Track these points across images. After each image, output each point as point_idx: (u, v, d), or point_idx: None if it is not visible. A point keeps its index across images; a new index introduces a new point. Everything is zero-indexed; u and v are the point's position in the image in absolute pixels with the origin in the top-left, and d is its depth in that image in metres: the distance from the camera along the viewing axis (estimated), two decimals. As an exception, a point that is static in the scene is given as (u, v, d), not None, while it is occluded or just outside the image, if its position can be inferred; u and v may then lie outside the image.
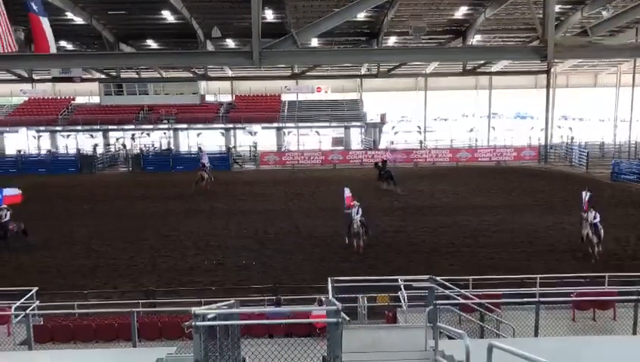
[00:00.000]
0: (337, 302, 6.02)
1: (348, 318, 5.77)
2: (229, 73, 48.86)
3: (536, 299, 10.53)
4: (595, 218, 17.63)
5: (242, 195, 30.49)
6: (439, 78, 50.78)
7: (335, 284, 10.45)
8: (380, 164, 32.81)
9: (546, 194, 29.55)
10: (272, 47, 12.54)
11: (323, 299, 10.57)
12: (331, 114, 50.12)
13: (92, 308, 12.20)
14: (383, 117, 50.64)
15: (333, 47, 35.49)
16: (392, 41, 38.21)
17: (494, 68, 47.28)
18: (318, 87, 51.29)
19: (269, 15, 30.56)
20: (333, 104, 52.71)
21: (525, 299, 11.09)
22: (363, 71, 48.42)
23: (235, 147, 46.85)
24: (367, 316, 11.89)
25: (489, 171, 38.40)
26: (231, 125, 48.97)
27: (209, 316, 5.91)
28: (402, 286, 11.33)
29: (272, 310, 9.29)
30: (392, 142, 48.14)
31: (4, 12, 17.88)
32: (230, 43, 36.94)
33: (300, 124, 49.59)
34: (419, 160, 43.22)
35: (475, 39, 37.01)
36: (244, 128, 48.72)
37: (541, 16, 13.50)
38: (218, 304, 7.00)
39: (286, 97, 53.13)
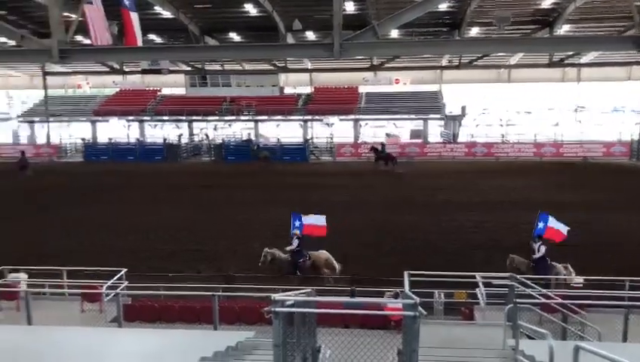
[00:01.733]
0: (414, 296, 5.98)
1: (425, 312, 5.71)
2: (308, 65, 49.32)
3: (625, 303, 9.98)
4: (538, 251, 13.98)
5: (319, 186, 30.78)
6: (523, 69, 48.85)
7: (411, 278, 10.36)
8: (378, 148, 38.68)
9: (638, 193, 27.87)
10: (353, 38, 12.52)
11: (399, 292, 10.52)
12: (409, 106, 49.48)
13: (176, 291, 12.74)
14: (463, 109, 49.43)
15: (413, 38, 34.98)
16: (474, 31, 37.17)
17: (584, 59, 44.91)
18: (396, 79, 50.78)
19: (350, 7, 30.53)
20: (411, 96, 52.02)
21: (613, 302, 10.52)
22: (444, 62, 47.42)
23: (312, 139, 47.31)
24: (444, 312, 11.73)
25: (575, 167, 36.64)
26: (309, 117, 49.48)
27: (287, 303, 6.04)
28: (480, 283, 11.07)
29: (348, 300, 9.35)
30: (388, 134, 48.74)
31: (101, 8, 18.92)
32: (310, 35, 37.25)
33: (378, 116, 49.32)
34: (500, 154, 41.89)
35: (563, 29, 35.29)
36: (321, 120, 49.09)
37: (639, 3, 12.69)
38: (296, 292, 7.14)
39: (363, 89, 52.98)
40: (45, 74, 43.24)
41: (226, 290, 12.99)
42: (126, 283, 12.73)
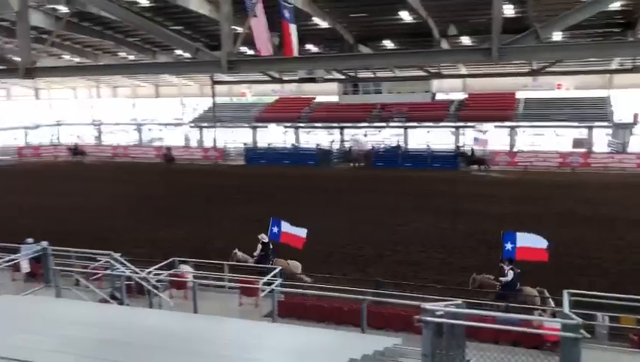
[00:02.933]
0: (576, 317, 5.60)
1: (589, 335, 5.32)
2: (462, 71, 48.05)
3: None
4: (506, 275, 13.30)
5: (469, 196, 29.89)
6: None
7: (572, 298, 9.68)
8: (469, 153, 41.85)
9: None
10: (512, 43, 11.99)
11: (556, 311, 9.88)
12: (573, 112, 46.03)
13: (325, 291, 13.17)
14: (635, 116, 44.86)
15: (579, 41, 32.55)
16: (652, 31, 33.57)
17: None
18: (558, 84, 47.57)
19: (509, 10, 29.25)
20: (574, 102, 48.34)
21: None
22: (614, 66, 43.44)
23: (463, 146, 46.06)
24: (608, 337, 10.77)
25: None
26: (461, 123, 48.21)
27: (437, 313, 5.98)
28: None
29: (500, 315, 8.99)
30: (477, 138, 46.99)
31: (265, 21, 20.20)
32: (465, 40, 36.32)
33: (537, 123, 46.59)
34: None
35: None
36: (473, 127, 47.58)
37: None
38: (446, 302, 7.03)
39: (521, 95, 50.35)
40: (214, 83, 46.97)
41: (374, 295, 13.15)
42: (280, 280, 13.43)
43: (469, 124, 47.53)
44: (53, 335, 8.40)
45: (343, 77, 42.78)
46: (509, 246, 13.56)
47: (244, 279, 13.47)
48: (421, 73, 41.50)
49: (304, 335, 8.93)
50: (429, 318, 5.53)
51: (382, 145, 48.54)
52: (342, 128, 51.59)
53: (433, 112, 49.19)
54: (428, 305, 5.84)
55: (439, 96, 52.25)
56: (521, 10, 29.69)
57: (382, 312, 11.50)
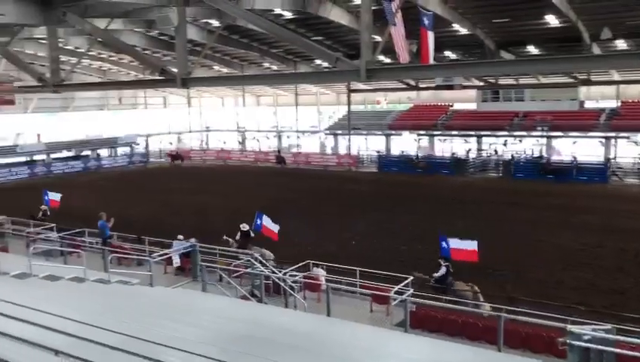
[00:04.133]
0: None
1: None
2: (615, 77, 44.33)
3: None
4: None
5: (621, 212, 27.46)
6: None
7: None
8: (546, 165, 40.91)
9: None
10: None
11: None
12: None
13: (458, 305, 12.84)
14: None
15: None
16: None
17: None
18: None
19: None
20: None
21: None
22: None
23: (614, 158, 42.46)
24: None
25: None
26: (612, 133, 44.42)
27: (584, 337, 5.60)
28: None
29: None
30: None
31: (403, 29, 20.25)
32: (620, 44, 33.51)
33: None
34: None
35: None
36: (627, 137, 43.62)
37: None
38: (593, 326, 6.56)
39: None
40: (350, 92, 47.86)
41: (510, 312, 12.58)
42: (411, 290, 13.32)
43: (622, 134, 43.65)
44: (200, 327, 9.11)
45: (482, 84, 41.49)
46: (444, 244, 15.38)
47: (376, 286, 13.55)
48: (568, 80, 39.02)
49: (439, 350, 8.79)
50: (576, 342, 5.20)
51: (523, 155, 46.22)
52: (479, 136, 49.91)
53: (581, 121, 45.86)
54: (574, 328, 5.49)
55: (588, 104, 48.73)
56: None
57: (520, 331, 10.95)
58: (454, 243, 15.19)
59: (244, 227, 17.77)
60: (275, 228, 17.37)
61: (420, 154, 48.17)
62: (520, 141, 48.29)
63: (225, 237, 17.90)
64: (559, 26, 30.72)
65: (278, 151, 54.71)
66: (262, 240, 17.91)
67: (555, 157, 44.45)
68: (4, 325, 6.90)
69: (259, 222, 17.44)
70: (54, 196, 22.44)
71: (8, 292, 9.38)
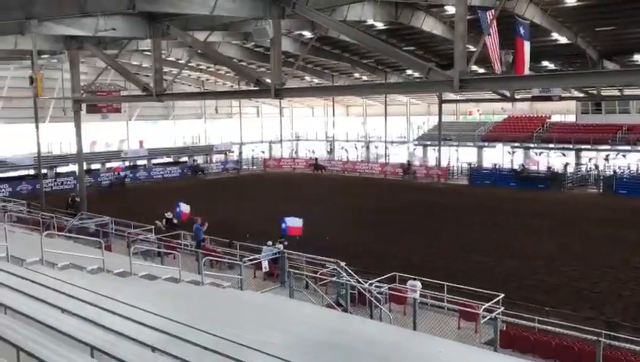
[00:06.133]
0: None
1: None
2: None
3: None
4: None
5: None
6: None
7: None
8: None
9: None
10: None
11: None
12: None
13: (552, 326, 12.23)
14: None
15: None
16: None
17: None
18: None
19: None
20: None
21: None
22: None
23: None
24: None
25: None
26: None
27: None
28: None
29: None
30: None
31: (497, 39, 19.74)
32: None
33: None
34: None
35: None
36: None
37: None
38: None
39: None
40: (442, 102, 46.98)
41: (609, 337, 11.84)
42: (502, 308, 12.86)
43: None
44: (286, 332, 9.29)
45: (582, 95, 39.43)
46: (283, 225, 18.61)
47: (465, 303, 13.20)
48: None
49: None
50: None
51: (626, 171, 43.35)
52: (578, 150, 47.34)
53: (695, 135, 42.44)
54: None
55: None
56: None
57: (619, 358, 10.28)
58: (290, 221, 18.56)
59: (169, 215, 23.52)
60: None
61: (524, 166, 46.70)
62: (624, 156, 45.32)
63: (156, 221, 22.30)
64: (672, 33, 28.71)
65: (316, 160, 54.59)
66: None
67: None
68: (108, 320, 7.39)
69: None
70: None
71: (111, 289, 10.02)
